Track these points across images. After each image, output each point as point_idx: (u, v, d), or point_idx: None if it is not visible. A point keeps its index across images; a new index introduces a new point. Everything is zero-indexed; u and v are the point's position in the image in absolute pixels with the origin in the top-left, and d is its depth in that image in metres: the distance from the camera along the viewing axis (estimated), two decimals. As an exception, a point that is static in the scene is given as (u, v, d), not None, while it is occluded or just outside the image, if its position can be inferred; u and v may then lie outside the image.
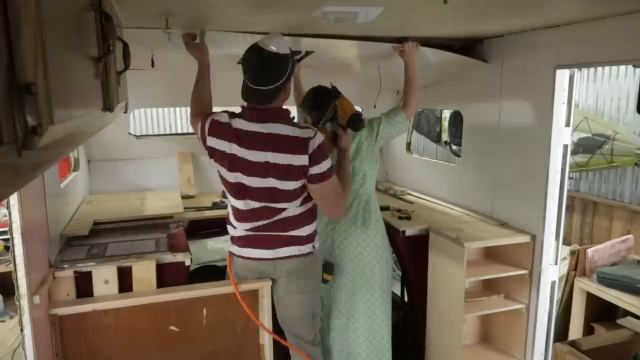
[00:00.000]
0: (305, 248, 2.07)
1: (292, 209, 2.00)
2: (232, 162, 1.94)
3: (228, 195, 2.05)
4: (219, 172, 2.02)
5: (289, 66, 1.89)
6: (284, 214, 1.99)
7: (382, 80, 2.80)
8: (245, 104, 1.96)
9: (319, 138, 1.90)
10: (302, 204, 2.01)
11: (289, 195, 1.95)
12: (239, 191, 1.97)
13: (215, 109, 2.09)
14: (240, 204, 1.99)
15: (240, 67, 1.92)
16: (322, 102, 2.36)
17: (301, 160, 1.88)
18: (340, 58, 2.97)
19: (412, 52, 2.46)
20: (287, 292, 2.10)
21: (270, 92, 1.87)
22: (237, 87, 1.93)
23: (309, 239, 2.08)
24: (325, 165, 1.91)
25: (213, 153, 1.98)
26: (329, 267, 2.32)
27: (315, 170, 1.90)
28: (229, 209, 2.09)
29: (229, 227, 2.12)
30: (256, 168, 1.91)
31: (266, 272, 2.07)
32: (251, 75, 1.88)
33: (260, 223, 2.00)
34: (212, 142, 1.97)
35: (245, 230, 2.04)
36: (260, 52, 1.85)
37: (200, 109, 2.09)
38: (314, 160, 1.88)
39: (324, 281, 2.30)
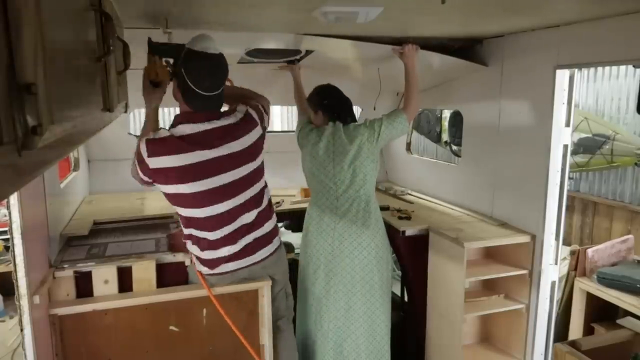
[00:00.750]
0: (275, 243, 2.15)
1: (262, 201, 2.06)
2: (194, 170, 1.85)
3: (193, 210, 1.92)
4: (165, 192, 1.90)
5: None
6: (258, 208, 2.04)
7: (382, 82, 2.80)
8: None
9: (247, 107, 2.02)
10: (264, 186, 2.09)
11: (259, 173, 2.04)
12: (214, 195, 1.90)
13: None
14: (216, 209, 1.92)
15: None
16: (331, 99, 2.51)
17: (258, 132, 2.01)
18: (340, 59, 2.97)
19: (412, 54, 2.46)
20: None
21: (222, 95, 1.92)
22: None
23: (275, 233, 2.17)
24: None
25: (159, 174, 1.84)
26: (289, 247, 2.34)
27: (265, 123, 2.08)
28: (192, 232, 1.99)
29: (198, 252, 2.01)
30: (225, 163, 1.90)
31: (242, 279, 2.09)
32: (204, 83, 1.84)
33: (239, 224, 1.99)
34: (157, 162, 1.82)
35: (222, 235, 1.96)
36: (210, 57, 1.84)
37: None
38: (262, 119, 2.05)
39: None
